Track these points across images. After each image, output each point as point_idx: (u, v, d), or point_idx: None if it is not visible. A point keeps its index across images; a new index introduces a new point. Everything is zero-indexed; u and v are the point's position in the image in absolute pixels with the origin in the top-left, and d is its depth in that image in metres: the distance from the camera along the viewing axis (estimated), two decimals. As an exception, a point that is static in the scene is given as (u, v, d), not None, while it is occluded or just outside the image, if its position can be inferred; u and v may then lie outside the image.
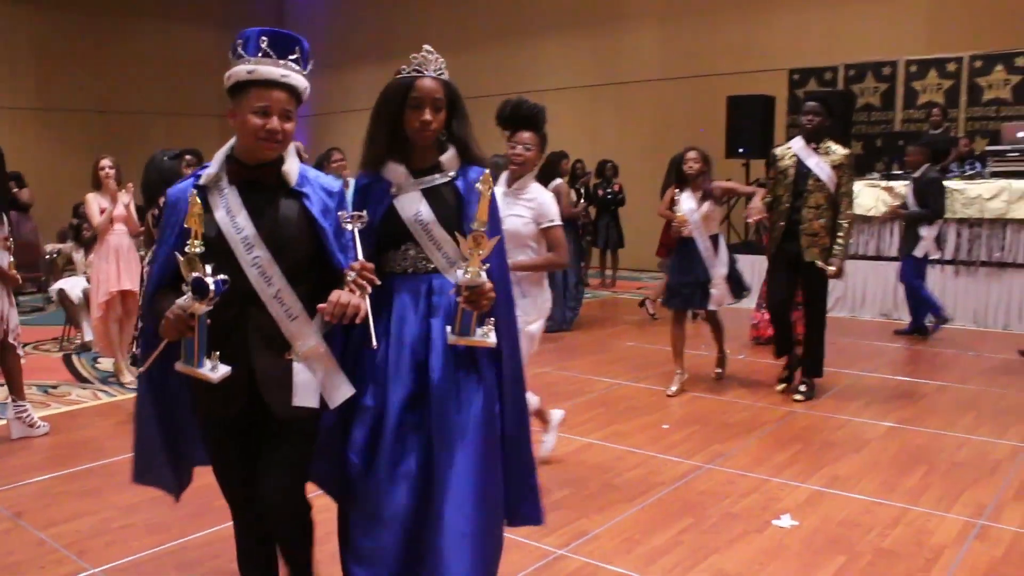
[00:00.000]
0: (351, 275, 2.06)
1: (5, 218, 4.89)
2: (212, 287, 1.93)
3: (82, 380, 6.52)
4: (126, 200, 6.32)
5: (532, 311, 3.87)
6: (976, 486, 4.04)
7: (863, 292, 8.89)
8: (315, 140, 15.54)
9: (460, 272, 2.19)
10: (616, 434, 4.93)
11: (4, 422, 5.14)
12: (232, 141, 2.19)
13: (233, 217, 2.11)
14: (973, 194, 8.08)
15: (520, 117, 3.79)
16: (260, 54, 2.07)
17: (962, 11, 10.08)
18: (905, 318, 8.22)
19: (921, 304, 7.74)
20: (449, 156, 2.39)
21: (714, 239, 5.66)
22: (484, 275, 2.17)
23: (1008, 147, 8.22)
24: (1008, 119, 9.44)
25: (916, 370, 6.52)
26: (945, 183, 7.96)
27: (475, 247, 2.17)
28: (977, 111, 10.05)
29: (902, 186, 8.32)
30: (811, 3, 11.31)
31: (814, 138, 5.39)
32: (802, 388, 5.65)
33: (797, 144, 5.46)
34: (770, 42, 11.56)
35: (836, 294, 8.72)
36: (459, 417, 2.26)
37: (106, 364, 6.91)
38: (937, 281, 8.27)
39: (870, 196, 8.72)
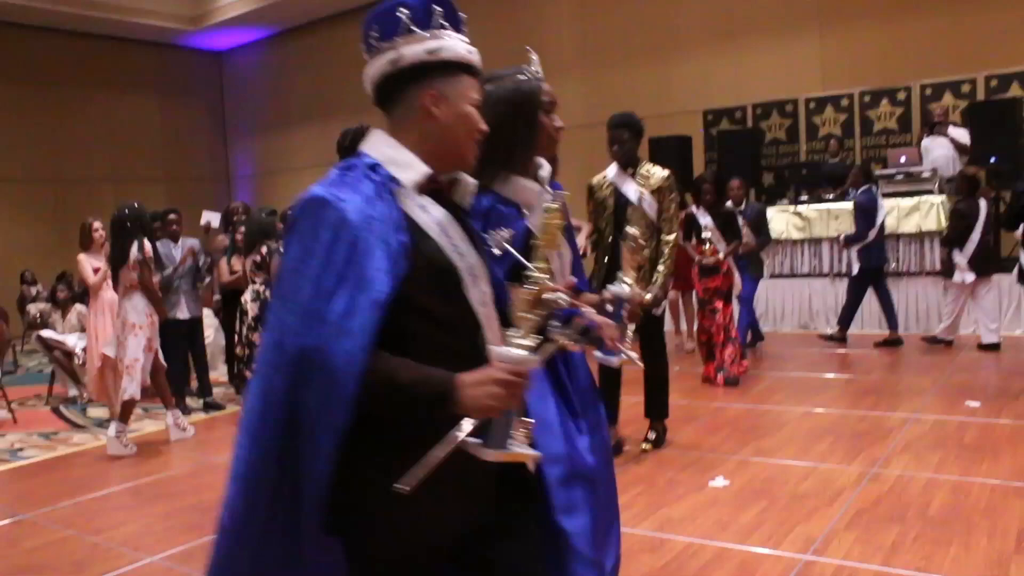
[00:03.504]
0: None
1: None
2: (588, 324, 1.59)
3: (77, 427, 7.03)
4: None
5: None
6: (872, 447, 4.90)
7: (782, 307, 9.88)
8: (258, 200, 16.12)
9: (623, 286, 2.07)
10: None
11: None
12: (392, 140, 1.57)
13: (451, 239, 1.54)
14: (869, 213, 9.13)
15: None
16: (462, 34, 1.60)
17: (849, 53, 11.28)
18: (821, 328, 9.23)
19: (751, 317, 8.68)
20: (547, 171, 2.19)
21: None
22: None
23: (894, 170, 9.35)
24: (896, 146, 10.62)
25: (829, 367, 7.43)
26: (840, 205, 9.12)
27: (631, 256, 2.14)
28: (870, 140, 11.24)
29: (810, 210, 9.47)
30: (718, 50, 12.41)
31: (630, 163, 4.93)
32: (651, 436, 5.21)
33: (612, 172, 4.97)
34: (684, 86, 12.63)
35: (759, 310, 9.68)
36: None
37: (96, 412, 7.43)
38: (841, 293, 9.30)
39: (781, 221, 9.74)
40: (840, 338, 8.43)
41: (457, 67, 1.55)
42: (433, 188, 1.56)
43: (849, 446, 4.96)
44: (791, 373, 7.39)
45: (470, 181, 1.66)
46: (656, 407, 5.24)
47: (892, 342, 8.19)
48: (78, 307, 9.07)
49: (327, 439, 1.34)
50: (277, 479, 1.40)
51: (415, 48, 1.52)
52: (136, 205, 6.22)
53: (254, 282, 6.74)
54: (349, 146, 3.16)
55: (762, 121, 11.90)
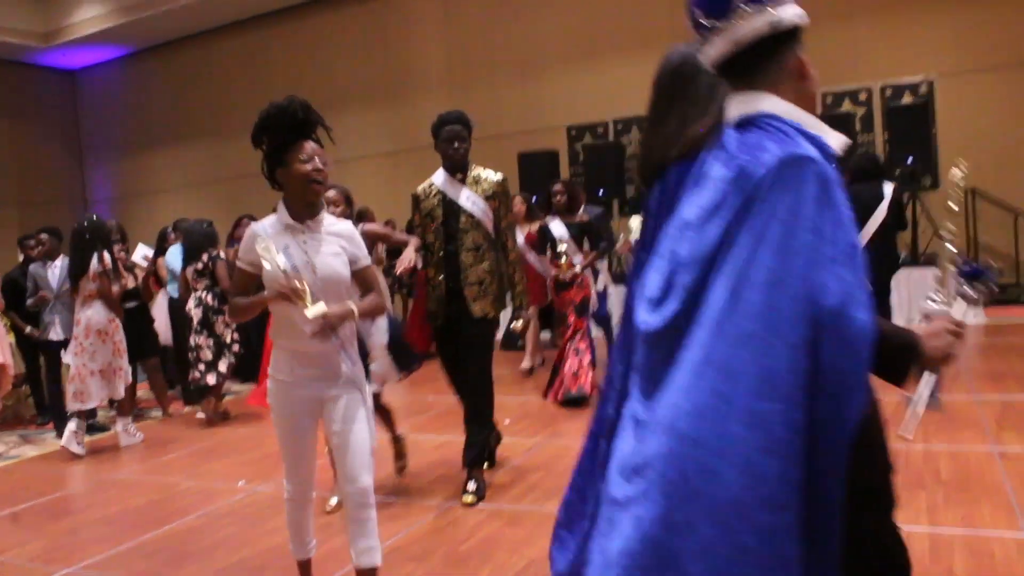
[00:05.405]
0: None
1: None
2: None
3: (-50, 457, 6.76)
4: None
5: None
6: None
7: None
8: (124, 223, 15.59)
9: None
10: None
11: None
12: (781, 102, 1.55)
13: None
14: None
15: (312, 122, 2.91)
16: None
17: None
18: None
19: None
20: None
21: None
22: None
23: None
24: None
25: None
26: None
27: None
28: (722, 152, 12.10)
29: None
30: (580, 67, 13.02)
31: (460, 168, 4.40)
32: (471, 487, 4.35)
33: (440, 178, 4.43)
34: (548, 103, 13.17)
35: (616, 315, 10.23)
36: None
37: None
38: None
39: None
40: None
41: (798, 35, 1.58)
42: None
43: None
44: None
45: None
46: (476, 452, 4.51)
47: None
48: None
49: (857, 398, 1.36)
50: (806, 444, 1.36)
51: (790, 12, 1.54)
52: (95, 217, 6.48)
53: (195, 289, 6.99)
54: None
55: (623, 135, 12.57)
